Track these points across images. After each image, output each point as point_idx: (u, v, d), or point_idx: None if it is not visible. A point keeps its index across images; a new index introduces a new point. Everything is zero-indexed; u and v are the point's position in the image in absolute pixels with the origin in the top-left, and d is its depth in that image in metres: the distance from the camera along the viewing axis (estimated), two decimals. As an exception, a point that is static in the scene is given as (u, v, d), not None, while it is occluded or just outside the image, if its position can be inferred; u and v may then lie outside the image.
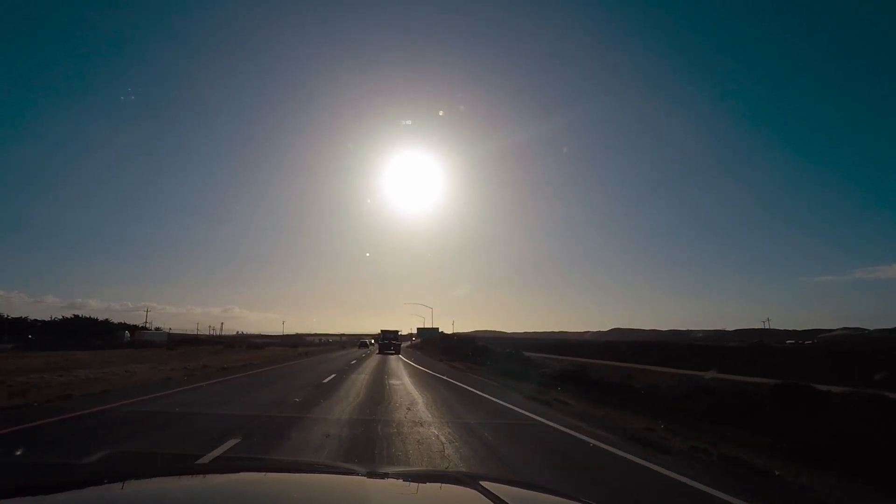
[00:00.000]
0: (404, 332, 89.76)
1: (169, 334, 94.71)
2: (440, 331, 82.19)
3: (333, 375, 18.08)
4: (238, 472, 2.06)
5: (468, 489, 1.73)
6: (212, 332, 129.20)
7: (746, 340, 78.65)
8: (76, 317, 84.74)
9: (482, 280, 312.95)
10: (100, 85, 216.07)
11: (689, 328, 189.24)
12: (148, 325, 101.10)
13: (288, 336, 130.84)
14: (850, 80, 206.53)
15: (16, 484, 1.51)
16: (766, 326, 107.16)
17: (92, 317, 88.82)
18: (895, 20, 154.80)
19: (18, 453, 5.70)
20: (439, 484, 1.90)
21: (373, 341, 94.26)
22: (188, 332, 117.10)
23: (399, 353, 43.95)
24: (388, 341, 47.02)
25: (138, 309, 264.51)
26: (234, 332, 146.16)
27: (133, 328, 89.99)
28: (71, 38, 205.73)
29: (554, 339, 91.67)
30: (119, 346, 48.89)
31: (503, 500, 1.44)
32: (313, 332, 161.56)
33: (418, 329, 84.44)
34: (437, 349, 49.38)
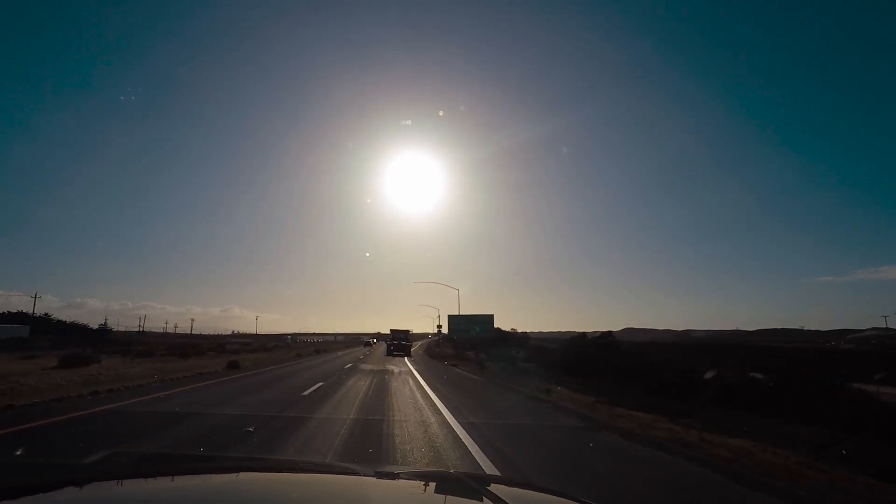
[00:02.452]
0: (417, 330, 77.31)
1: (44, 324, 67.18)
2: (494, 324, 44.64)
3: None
4: (238, 472, 2.05)
5: (469, 489, 1.73)
6: (176, 331, 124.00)
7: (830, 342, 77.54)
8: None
9: (484, 279, 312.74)
10: (100, 85, 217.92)
11: (709, 328, 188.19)
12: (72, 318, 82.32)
13: (261, 335, 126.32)
14: (851, 80, 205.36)
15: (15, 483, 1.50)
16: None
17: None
18: (895, 20, 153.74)
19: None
20: (440, 484, 1.89)
21: (374, 340, 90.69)
22: (133, 329, 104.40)
23: (408, 356, 40.37)
24: (398, 342, 43.81)
25: (138, 308, 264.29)
26: (231, 331, 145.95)
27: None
28: (72, 39, 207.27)
29: (559, 339, 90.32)
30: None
31: (504, 501, 1.44)
32: (311, 331, 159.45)
33: (449, 317, 44.90)
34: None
